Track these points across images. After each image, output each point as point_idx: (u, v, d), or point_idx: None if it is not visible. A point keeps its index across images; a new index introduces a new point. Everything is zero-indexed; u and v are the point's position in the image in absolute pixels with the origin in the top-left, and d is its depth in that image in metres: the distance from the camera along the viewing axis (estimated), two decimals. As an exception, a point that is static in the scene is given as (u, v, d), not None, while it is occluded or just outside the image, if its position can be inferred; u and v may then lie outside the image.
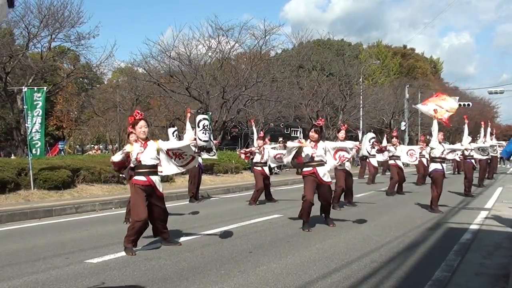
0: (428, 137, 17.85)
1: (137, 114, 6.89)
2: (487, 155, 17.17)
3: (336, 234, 8.25)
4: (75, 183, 13.93)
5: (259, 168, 13.12)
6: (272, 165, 13.97)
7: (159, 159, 6.92)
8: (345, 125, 11.90)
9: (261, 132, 14.24)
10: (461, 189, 15.22)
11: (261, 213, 10.90)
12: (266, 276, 5.48)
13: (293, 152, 8.69)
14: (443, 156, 11.11)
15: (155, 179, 6.83)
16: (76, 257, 6.39)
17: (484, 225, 9.14)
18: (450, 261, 6.22)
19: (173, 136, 13.21)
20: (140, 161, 6.74)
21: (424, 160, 18.46)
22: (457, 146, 13.51)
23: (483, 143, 17.54)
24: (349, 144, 9.57)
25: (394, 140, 16.26)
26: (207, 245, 7.20)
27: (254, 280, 5.32)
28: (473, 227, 8.96)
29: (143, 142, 6.82)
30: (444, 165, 11.17)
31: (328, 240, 7.66)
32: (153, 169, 6.84)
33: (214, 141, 14.92)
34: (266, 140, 14.36)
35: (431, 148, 11.31)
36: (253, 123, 16.00)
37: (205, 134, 7.54)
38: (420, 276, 5.55)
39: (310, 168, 8.62)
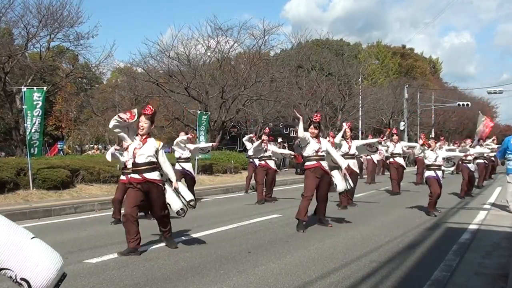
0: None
1: (148, 108, 6.75)
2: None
3: (335, 234, 8.25)
4: (74, 183, 13.92)
5: (263, 162, 13.25)
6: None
7: (157, 159, 6.71)
8: (349, 123, 12.02)
9: (267, 129, 14.32)
10: (457, 190, 15.12)
11: (260, 213, 10.90)
12: (265, 276, 5.48)
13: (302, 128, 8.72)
14: (436, 163, 10.99)
15: (152, 175, 6.61)
16: (75, 257, 6.38)
17: (483, 225, 9.14)
18: (449, 261, 6.22)
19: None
20: (135, 157, 6.58)
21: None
22: (453, 153, 13.19)
23: (480, 146, 17.49)
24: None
25: (395, 137, 16.33)
26: (206, 245, 7.20)
27: (253, 280, 5.32)
28: (472, 227, 8.97)
29: (143, 138, 6.66)
30: (439, 172, 10.99)
31: (327, 240, 7.66)
32: (149, 166, 6.60)
33: (210, 144, 14.74)
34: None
35: (424, 157, 11.22)
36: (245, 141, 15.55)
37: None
38: (419, 276, 5.55)
39: (314, 162, 8.64)
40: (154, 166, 6.69)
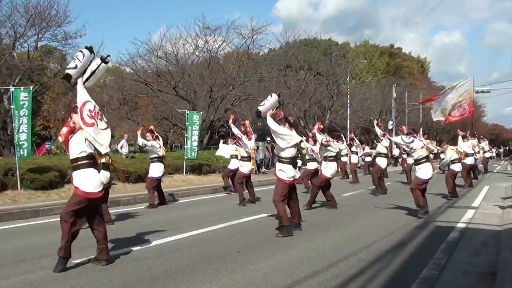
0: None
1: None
2: None
3: (324, 233, 8.27)
4: (62, 183, 13.82)
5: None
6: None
7: (85, 152, 5.89)
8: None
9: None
10: (445, 190, 15.12)
11: (249, 212, 10.89)
12: (254, 275, 5.48)
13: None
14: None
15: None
16: (63, 257, 6.33)
17: (471, 224, 9.20)
18: (438, 259, 6.26)
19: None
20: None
21: (410, 161, 18.47)
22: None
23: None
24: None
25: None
26: (195, 245, 7.18)
27: (242, 279, 5.32)
28: (460, 225, 9.02)
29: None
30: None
31: (316, 240, 7.68)
32: (72, 163, 5.95)
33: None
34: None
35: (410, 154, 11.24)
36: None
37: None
38: (408, 274, 5.58)
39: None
40: (75, 163, 5.94)
